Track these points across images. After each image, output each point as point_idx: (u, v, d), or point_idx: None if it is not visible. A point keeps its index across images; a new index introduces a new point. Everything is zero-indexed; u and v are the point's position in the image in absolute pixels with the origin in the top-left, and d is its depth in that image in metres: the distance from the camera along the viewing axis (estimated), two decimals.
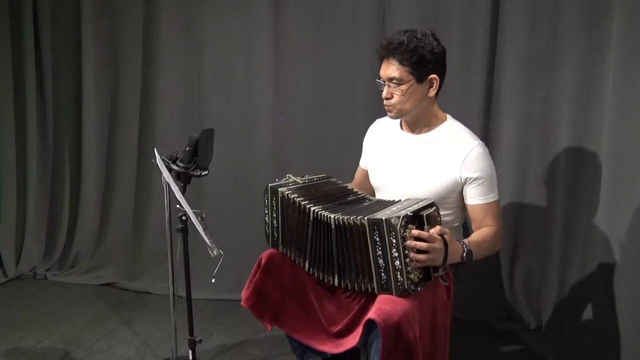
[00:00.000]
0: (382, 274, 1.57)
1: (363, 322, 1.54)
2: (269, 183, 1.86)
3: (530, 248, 2.63)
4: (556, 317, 2.51)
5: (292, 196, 1.76)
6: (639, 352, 2.07)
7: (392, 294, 1.55)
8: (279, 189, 1.80)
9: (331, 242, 1.67)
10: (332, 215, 1.65)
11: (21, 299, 2.91)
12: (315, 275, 1.76)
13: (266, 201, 1.86)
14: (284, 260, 1.83)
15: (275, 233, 1.86)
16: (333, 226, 1.65)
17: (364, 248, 1.59)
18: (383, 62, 1.76)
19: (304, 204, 1.73)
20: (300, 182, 1.87)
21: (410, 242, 1.51)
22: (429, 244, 1.52)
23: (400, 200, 1.70)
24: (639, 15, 2.11)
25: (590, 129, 2.39)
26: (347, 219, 1.61)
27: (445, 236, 1.56)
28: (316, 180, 1.91)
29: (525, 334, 2.56)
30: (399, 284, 1.54)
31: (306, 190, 1.81)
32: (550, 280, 2.57)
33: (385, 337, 1.47)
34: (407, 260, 1.52)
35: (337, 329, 1.74)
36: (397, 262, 1.52)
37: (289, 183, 1.86)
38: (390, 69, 1.73)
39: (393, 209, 1.60)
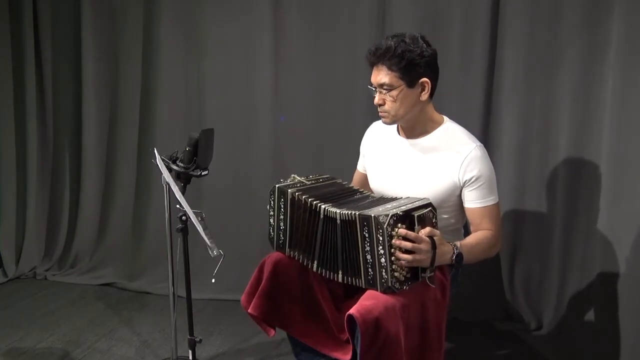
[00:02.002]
0: (369, 270, 1.58)
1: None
2: (276, 184, 1.82)
3: (530, 248, 2.63)
4: (556, 317, 2.51)
5: (303, 197, 1.73)
6: (638, 353, 2.07)
7: (377, 290, 1.57)
8: (289, 190, 1.76)
9: (337, 238, 1.66)
10: (338, 210, 1.64)
11: (21, 299, 2.91)
12: (323, 275, 1.73)
13: (272, 202, 1.82)
14: (291, 265, 1.80)
15: (281, 236, 1.82)
16: (339, 221, 1.64)
17: (356, 242, 1.60)
18: (373, 69, 1.75)
19: (315, 203, 1.70)
20: (307, 182, 1.84)
21: (396, 241, 1.52)
22: (415, 245, 1.52)
23: (400, 198, 1.70)
24: (639, 15, 2.11)
25: (591, 130, 2.39)
26: (348, 213, 1.61)
27: (435, 238, 1.56)
28: (322, 180, 1.89)
29: (525, 334, 2.56)
30: (383, 281, 1.55)
31: (316, 190, 1.79)
32: (550, 280, 2.57)
33: (364, 331, 1.48)
34: (393, 258, 1.53)
35: (346, 337, 1.72)
36: (383, 260, 1.53)
37: (295, 184, 1.83)
38: (380, 75, 1.72)
39: (388, 206, 1.61)
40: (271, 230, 1.85)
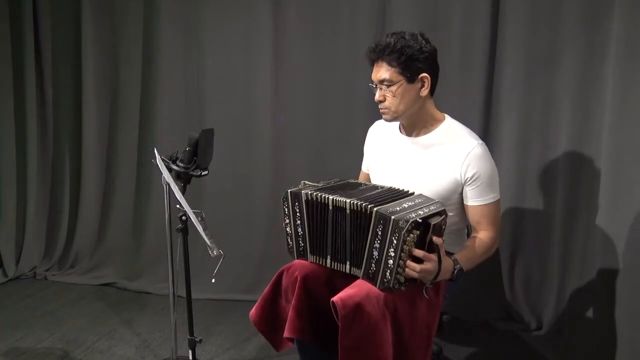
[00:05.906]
0: (372, 265, 1.58)
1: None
2: (288, 190, 1.74)
3: (530, 248, 2.63)
4: (556, 317, 2.51)
5: (317, 194, 1.68)
6: (638, 352, 2.07)
7: (375, 285, 1.58)
8: (302, 192, 1.71)
9: (346, 227, 1.64)
10: (348, 200, 1.62)
11: (21, 299, 2.91)
12: (335, 268, 1.71)
13: (286, 209, 1.75)
14: (317, 273, 1.73)
15: (301, 242, 1.75)
16: (348, 211, 1.62)
17: (365, 235, 1.59)
18: (374, 66, 1.77)
19: (332, 198, 1.65)
20: (320, 185, 1.78)
21: (409, 262, 1.53)
22: (422, 266, 1.54)
23: (412, 194, 1.67)
24: (639, 15, 2.11)
25: (590, 129, 2.39)
26: (360, 204, 1.59)
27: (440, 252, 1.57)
28: (333, 183, 1.83)
29: (525, 334, 2.56)
30: (385, 280, 1.55)
31: (333, 190, 1.73)
32: (550, 280, 2.57)
33: (343, 315, 1.50)
34: (401, 262, 1.53)
35: None
36: (391, 262, 1.53)
37: (308, 187, 1.76)
38: (381, 71, 1.74)
39: (404, 205, 1.58)
40: (289, 240, 1.77)
